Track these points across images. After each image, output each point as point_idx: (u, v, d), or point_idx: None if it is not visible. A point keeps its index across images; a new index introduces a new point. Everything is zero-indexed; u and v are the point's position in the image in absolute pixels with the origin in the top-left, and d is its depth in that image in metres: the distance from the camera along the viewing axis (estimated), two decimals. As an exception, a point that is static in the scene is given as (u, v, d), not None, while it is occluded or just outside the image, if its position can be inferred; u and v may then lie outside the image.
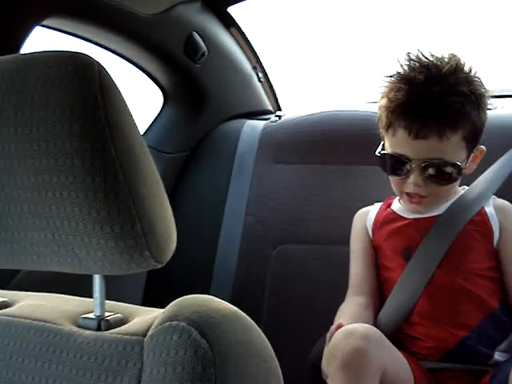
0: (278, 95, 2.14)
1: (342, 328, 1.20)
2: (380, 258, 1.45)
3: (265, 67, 2.03)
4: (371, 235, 1.49)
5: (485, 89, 1.35)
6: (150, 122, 1.82)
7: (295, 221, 1.73)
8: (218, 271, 1.73)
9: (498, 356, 1.30)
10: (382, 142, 1.43)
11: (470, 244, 1.37)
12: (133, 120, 0.68)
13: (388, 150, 1.38)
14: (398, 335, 1.35)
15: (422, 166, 1.32)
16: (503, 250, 1.38)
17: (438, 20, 2.34)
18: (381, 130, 1.42)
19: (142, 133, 1.80)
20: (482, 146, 1.40)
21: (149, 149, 1.84)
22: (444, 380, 1.29)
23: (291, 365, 1.47)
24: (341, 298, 1.47)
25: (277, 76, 2.16)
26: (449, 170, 1.34)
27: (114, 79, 0.68)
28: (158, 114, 1.81)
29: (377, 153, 1.44)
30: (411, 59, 1.36)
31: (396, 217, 1.45)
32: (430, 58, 1.35)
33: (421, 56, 1.36)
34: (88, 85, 0.63)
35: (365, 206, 1.57)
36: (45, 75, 0.63)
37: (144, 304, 1.73)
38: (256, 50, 1.96)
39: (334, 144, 1.77)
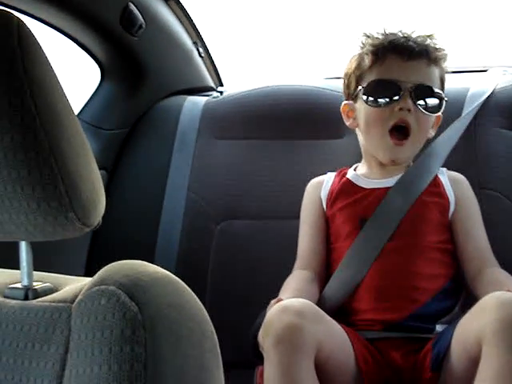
0: (219, 71, 2.11)
1: (278, 304, 1.19)
2: (333, 227, 1.44)
3: (206, 42, 2.00)
4: (325, 206, 1.47)
5: None
6: (88, 98, 1.77)
7: (238, 196, 1.71)
8: (160, 249, 1.71)
9: (439, 328, 1.31)
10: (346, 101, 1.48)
11: (426, 216, 1.38)
12: (55, 76, 0.64)
13: None
14: (341, 308, 1.35)
15: (413, 89, 1.37)
16: (457, 221, 1.40)
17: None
18: (353, 79, 1.44)
19: (79, 109, 1.75)
20: (440, 113, 1.45)
21: (87, 125, 1.80)
22: (385, 349, 1.29)
23: (236, 337, 1.47)
24: (285, 273, 1.47)
25: (220, 51, 2.13)
26: (436, 95, 1.40)
27: (35, 35, 0.65)
28: (96, 90, 1.76)
29: (347, 105, 1.48)
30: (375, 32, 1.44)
31: (352, 187, 1.44)
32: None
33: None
34: (6, 37, 0.60)
35: (307, 181, 1.56)
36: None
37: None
38: (196, 25, 1.92)
39: (276, 119, 1.76)
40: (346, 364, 1.23)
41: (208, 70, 2.04)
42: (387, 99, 1.38)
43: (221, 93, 1.90)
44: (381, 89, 1.39)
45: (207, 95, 1.93)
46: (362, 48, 1.44)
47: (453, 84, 1.77)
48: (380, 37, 1.43)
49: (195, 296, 0.68)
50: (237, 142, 1.77)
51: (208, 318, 0.68)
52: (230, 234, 1.69)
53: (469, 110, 1.60)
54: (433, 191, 1.41)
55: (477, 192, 1.49)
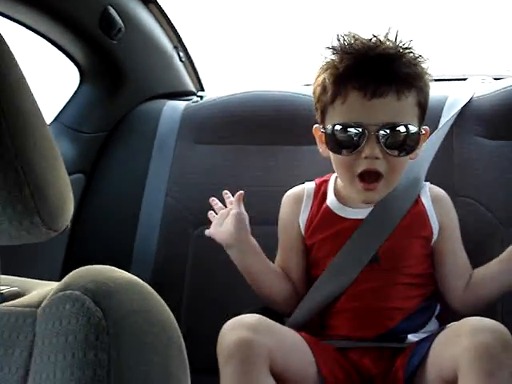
0: (200, 75, 2.11)
1: (231, 320, 1.19)
2: (312, 256, 1.39)
3: (187, 47, 2.00)
4: (303, 232, 1.38)
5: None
6: (67, 101, 1.76)
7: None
8: (137, 253, 1.70)
9: (411, 337, 1.30)
10: (318, 124, 1.33)
11: (407, 251, 1.32)
12: (24, 80, 0.64)
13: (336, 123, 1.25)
14: (315, 324, 1.35)
15: (379, 133, 1.20)
16: (442, 248, 1.35)
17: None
18: (319, 108, 1.30)
19: (57, 112, 1.73)
20: (426, 126, 1.34)
21: (65, 128, 1.79)
22: (356, 357, 1.28)
23: (210, 344, 1.47)
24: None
25: (201, 56, 2.13)
26: (408, 134, 1.23)
27: (4, 37, 0.65)
28: (75, 92, 1.76)
29: (318, 129, 1.32)
30: (347, 37, 1.27)
31: (333, 217, 1.35)
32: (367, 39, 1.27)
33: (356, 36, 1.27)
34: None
35: (287, 188, 1.53)
36: None
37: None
38: (177, 29, 1.92)
39: (256, 124, 1.76)
40: (304, 371, 1.22)
41: (189, 74, 2.04)
42: (350, 148, 1.23)
43: (201, 97, 1.90)
44: (343, 135, 1.23)
45: (187, 99, 1.93)
46: (324, 68, 1.28)
47: (431, 92, 1.78)
48: (345, 54, 1.24)
49: (162, 301, 0.68)
50: (216, 146, 1.77)
51: (175, 324, 0.68)
52: (208, 240, 1.68)
53: (447, 118, 1.61)
54: (415, 220, 1.33)
55: (453, 199, 1.50)
